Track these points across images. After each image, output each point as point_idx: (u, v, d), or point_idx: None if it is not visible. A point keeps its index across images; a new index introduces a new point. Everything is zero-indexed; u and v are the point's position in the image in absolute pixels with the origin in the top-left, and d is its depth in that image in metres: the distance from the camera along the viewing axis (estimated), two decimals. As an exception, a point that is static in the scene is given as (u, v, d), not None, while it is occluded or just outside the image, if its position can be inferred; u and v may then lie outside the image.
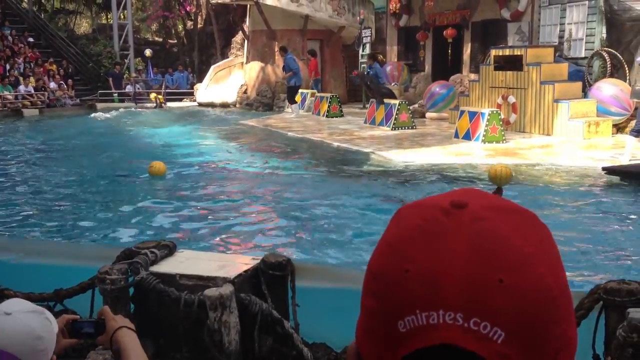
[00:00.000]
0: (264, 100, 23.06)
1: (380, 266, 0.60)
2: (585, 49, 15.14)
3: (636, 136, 10.29)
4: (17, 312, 1.60)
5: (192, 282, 2.90)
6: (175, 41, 32.61)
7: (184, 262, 3.10)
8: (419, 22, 20.68)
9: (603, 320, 2.50)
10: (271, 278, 3.01)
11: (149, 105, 24.94)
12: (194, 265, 3.06)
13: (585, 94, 13.95)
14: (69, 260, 3.63)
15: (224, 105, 24.09)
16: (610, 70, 14.11)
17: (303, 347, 2.83)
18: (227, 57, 26.89)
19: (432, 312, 0.55)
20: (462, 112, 13.44)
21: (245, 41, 24.51)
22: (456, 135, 13.24)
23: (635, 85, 13.13)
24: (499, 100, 14.51)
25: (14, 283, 3.09)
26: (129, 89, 26.22)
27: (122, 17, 28.68)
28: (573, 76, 14.36)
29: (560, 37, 15.92)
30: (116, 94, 25.93)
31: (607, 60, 14.16)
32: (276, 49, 21.45)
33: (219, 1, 24.09)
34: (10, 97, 22.81)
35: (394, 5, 21.14)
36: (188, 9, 30.89)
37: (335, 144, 13.39)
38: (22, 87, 23.30)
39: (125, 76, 26.98)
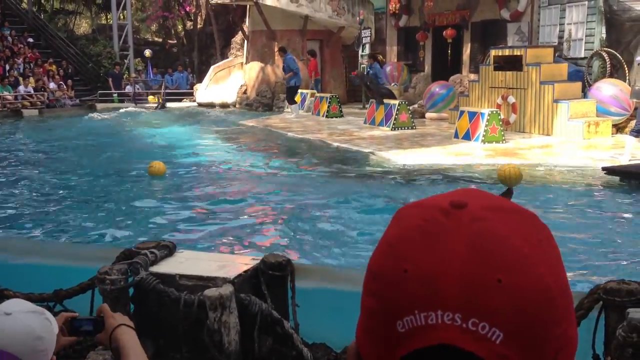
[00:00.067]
0: (264, 100, 23.06)
1: (380, 266, 0.60)
2: (585, 49, 15.15)
3: (636, 136, 10.29)
4: (18, 312, 1.60)
5: (191, 282, 2.90)
6: (175, 41, 32.61)
7: (183, 263, 3.10)
8: (419, 22, 20.68)
9: (603, 321, 2.50)
10: (271, 278, 3.01)
11: (148, 105, 24.95)
12: (194, 265, 3.06)
13: (584, 94, 13.96)
14: (68, 260, 3.63)
15: (224, 106, 24.09)
16: (610, 70, 14.12)
17: (303, 347, 2.83)
18: (227, 58, 26.90)
19: (430, 313, 0.56)
20: (462, 112, 13.45)
21: (245, 41, 24.51)
22: (456, 136, 13.24)
23: (635, 85, 13.14)
24: (499, 101, 14.52)
25: (13, 283, 3.09)
26: (128, 89, 26.22)
27: (121, 17, 28.68)
28: (573, 76, 14.36)
29: (560, 37, 15.93)
30: (116, 95, 25.94)
31: (607, 60, 14.17)
32: (276, 49, 21.44)
33: (219, 1, 24.09)
34: (9, 97, 22.81)
35: (394, 5, 21.14)
36: (188, 9, 30.88)
37: (335, 144, 13.39)
38: (21, 88, 23.31)
39: (125, 76, 26.99)
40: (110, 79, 26.29)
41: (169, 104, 24.96)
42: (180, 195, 9.25)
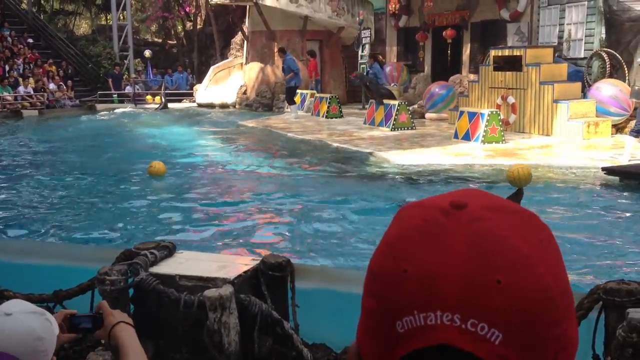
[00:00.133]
0: (264, 100, 23.07)
1: (380, 266, 0.61)
2: (585, 50, 15.15)
3: (636, 136, 10.30)
4: (18, 312, 1.60)
5: (191, 283, 2.90)
6: (175, 42, 32.62)
7: (183, 263, 3.10)
8: (419, 22, 20.69)
9: (603, 321, 2.50)
10: (271, 279, 3.01)
11: (148, 106, 24.97)
12: (194, 266, 3.06)
13: (584, 94, 13.96)
14: (68, 261, 3.63)
15: (224, 106, 24.08)
16: (610, 70, 14.12)
17: (303, 347, 2.83)
18: (227, 58, 26.91)
19: (429, 313, 0.55)
20: (462, 112, 13.45)
21: (245, 42, 24.52)
22: (455, 136, 13.25)
23: (635, 85, 13.15)
24: (499, 101, 14.52)
25: (13, 284, 3.09)
26: (128, 89, 26.23)
27: (121, 18, 28.68)
28: (572, 76, 14.36)
29: (560, 37, 15.93)
30: (116, 95, 25.94)
31: (607, 60, 14.17)
32: (275, 49, 21.45)
33: (219, 2, 24.09)
34: (9, 98, 22.80)
35: (393, 6, 21.14)
36: (187, 9, 30.88)
37: (335, 144, 13.39)
38: (21, 88, 23.31)
39: (124, 77, 26.99)
40: (110, 80, 26.30)
41: (169, 105, 24.97)
42: (180, 195, 9.25)
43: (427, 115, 17.13)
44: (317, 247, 6.65)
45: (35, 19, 29.26)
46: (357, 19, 21.97)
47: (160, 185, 10.01)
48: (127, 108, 24.44)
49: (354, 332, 0.63)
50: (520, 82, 14.19)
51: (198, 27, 30.98)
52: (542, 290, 0.56)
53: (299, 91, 19.55)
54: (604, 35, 14.78)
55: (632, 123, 11.57)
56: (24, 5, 30.08)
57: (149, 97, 25.91)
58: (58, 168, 11.92)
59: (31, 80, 23.85)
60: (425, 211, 0.60)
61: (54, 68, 25.75)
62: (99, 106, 24.44)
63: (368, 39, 20.87)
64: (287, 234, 7.23)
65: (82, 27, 35.89)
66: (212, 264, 3.10)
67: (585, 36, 15.16)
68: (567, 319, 0.58)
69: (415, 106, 17.46)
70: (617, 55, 14.25)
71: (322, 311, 3.24)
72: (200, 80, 26.42)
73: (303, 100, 20.14)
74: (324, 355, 3.00)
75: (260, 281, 3.01)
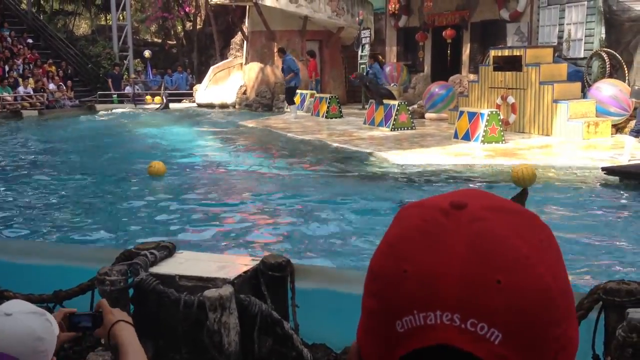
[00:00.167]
0: (263, 101, 23.07)
1: (380, 267, 0.61)
2: (585, 49, 15.16)
3: (635, 136, 10.30)
4: (18, 313, 1.60)
5: (191, 283, 2.90)
6: (175, 42, 32.61)
7: (183, 263, 3.10)
8: (418, 22, 20.69)
9: (603, 321, 2.50)
10: (271, 279, 3.01)
11: (148, 106, 24.98)
12: (194, 266, 3.06)
13: (584, 94, 13.96)
14: (68, 261, 3.63)
15: (223, 106, 24.08)
16: (610, 70, 14.13)
17: (303, 348, 2.83)
18: (226, 58, 26.90)
19: (429, 313, 0.56)
20: (462, 112, 13.45)
21: (245, 42, 24.52)
22: (455, 136, 13.25)
23: (635, 85, 13.16)
24: (498, 101, 14.52)
25: (13, 284, 3.09)
26: (128, 90, 26.22)
27: (121, 18, 28.68)
28: (572, 76, 14.37)
29: (560, 37, 15.94)
30: (115, 95, 25.94)
31: (606, 60, 14.17)
32: (275, 50, 21.45)
33: (218, 2, 24.09)
34: (9, 98, 22.80)
35: (393, 6, 21.14)
36: (187, 10, 30.88)
37: (335, 144, 13.39)
38: (21, 89, 23.31)
39: (124, 77, 26.99)
40: (109, 80, 26.30)
41: (169, 105, 25.01)
42: (180, 195, 9.25)
43: (427, 115, 17.13)
44: (317, 247, 6.65)
45: (34, 19, 29.26)
46: (357, 19, 21.97)
47: (160, 185, 10.00)
48: (127, 108, 24.45)
49: (354, 332, 0.63)
50: (520, 82, 14.19)
51: (198, 27, 30.97)
52: (542, 290, 0.56)
53: (298, 91, 19.55)
54: (603, 35, 14.78)
55: (632, 123, 11.57)
56: (23, 6, 30.08)
57: (148, 97, 25.91)
58: (58, 168, 11.91)
59: (31, 80, 23.85)
60: (425, 211, 0.61)
61: (53, 68, 25.75)
62: (98, 106, 24.44)
63: (368, 39, 20.88)
64: (287, 234, 7.23)
65: (82, 27, 35.88)
66: (212, 264, 3.10)
67: (585, 36, 15.16)
68: (567, 319, 0.58)
69: (415, 106, 17.47)
70: (617, 55, 14.25)
71: (322, 311, 3.24)
72: (200, 81, 26.42)
73: (303, 101, 20.13)
74: (323, 356, 3.00)
75: (260, 281, 3.01)
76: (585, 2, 15.03)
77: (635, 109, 12.25)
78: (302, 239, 7.00)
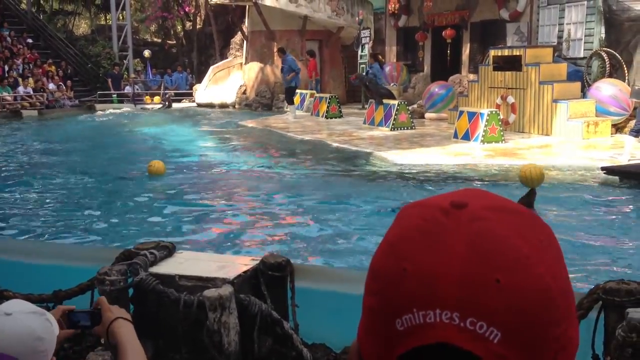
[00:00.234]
0: (263, 100, 23.07)
1: (381, 266, 0.61)
2: (584, 49, 15.16)
3: (635, 136, 10.30)
4: (18, 312, 1.60)
5: (191, 283, 2.90)
6: (174, 42, 32.62)
7: (183, 263, 3.10)
8: (418, 22, 20.69)
9: (602, 320, 2.50)
10: (270, 279, 3.01)
11: (149, 106, 25.00)
12: (193, 266, 3.06)
13: (584, 94, 13.97)
14: (68, 261, 3.63)
15: (223, 106, 24.09)
16: (609, 70, 14.13)
17: (302, 347, 2.83)
18: (226, 58, 26.90)
19: (428, 311, 0.56)
20: (461, 112, 13.45)
21: (244, 42, 24.51)
22: (455, 136, 13.25)
23: (635, 85, 13.16)
24: (498, 101, 14.52)
25: (13, 284, 3.09)
26: (127, 89, 26.23)
27: (121, 17, 28.68)
28: (572, 76, 14.37)
29: (559, 37, 15.94)
30: (115, 95, 25.94)
31: (606, 60, 14.18)
32: (275, 49, 21.45)
33: (218, 2, 24.09)
34: (9, 98, 22.80)
35: (393, 5, 21.15)
36: (187, 9, 30.89)
37: (335, 144, 13.39)
38: (21, 88, 23.31)
39: (124, 77, 26.99)
40: (109, 80, 26.30)
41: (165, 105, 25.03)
42: (180, 195, 9.25)
43: (427, 115, 17.14)
44: (316, 247, 6.65)
45: (34, 19, 29.25)
46: (357, 18, 21.97)
47: (160, 185, 10.01)
48: (127, 108, 24.45)
49: (353, 332, 0.63)
50: (520, 82, 14.19)
51: (197, 27, 30.97)
52: (541, 290, 0.56)
53: (298, 91, 19.55)
54: (603, 35, 14.78)
55: (632, 123, 11.57)
56: (23, 5, 30.07)
57: (147, 97, 25.91)
58: (57, 168, 11.90)
59: (30, 80, 23.85)
60: (426, 211, 0.61)
61: (53, 68, 25.74)
62: (98, 106, 24.44)
63: (367, 38, 20.88)
64: (286, 233, 7.23)
65: (82, 27, 35.89)
66: (211, 263, 3.10)
67: (585, 36, 15.16)
68: (567, 319, 0.58)
69: (415, 106, 17.47)
70: (617, 54, 14.25)
71: (322, 311, 3.24)
72: (199, 80, 26.42)
73: (302, 100, 20.14)
74: (323, 355, 3.00)
75: (260, 281, 3.01)
76: (585, 2, 15.04)
77: (635, 108, 12.25)
78: (301, 238, 7.00)
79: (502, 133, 12.67)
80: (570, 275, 0.61)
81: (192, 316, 2.79)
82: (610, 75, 14.02)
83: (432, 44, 20.44)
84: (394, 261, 0.59)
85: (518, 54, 14.37)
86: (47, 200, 9.25)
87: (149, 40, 33.65)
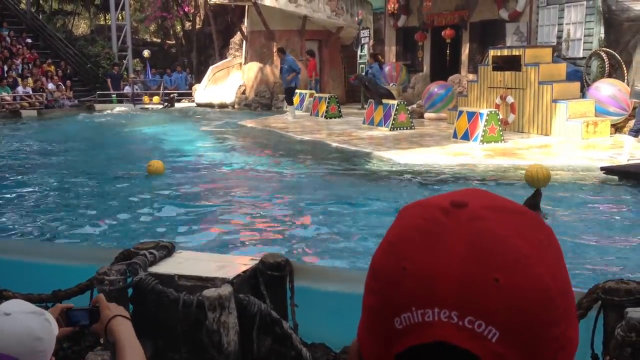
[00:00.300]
0: (263, 100, 23.07)
1: (381, 265, 0.61)
2: (584, 49, 15.17)
3: (635, 136, 10.31)
4: (17, 312, 1.60)
5: (190, 282, 2.90)
6: (174, 42, 32.62)
7: (182, 263, 3.10)
8: (417, 22, 20.70)
9: (602, 320, 2.50)
10: (270, 278, 3.01)
11: (148, 106, 25.00)
12: (193, 265, 3.06)
13: (583, 94, 13.97)
14: (67, 261, 3.63)
15: (223, 106, 24.09)
16: (609, 70, 14.14)
17: (302, 347, 2.83)
18: (226, 58, 26.90)
19: (427, 310, 0.56)
20: (461, 112, 13.45)
21: (244, 42, 24.52)
22: (454, 136, 13.25)
23: (634, 85, 13.16)
24: (498, 101, 14.52)
25: (12, 284, 3.09)
26: (127, 89, 26.22)
27: (120, 18, 28.67)
28: (571, 76, 14.37)
29: (559, 37, 15.95)
30: (114, 95, 25.94)
31: (606, 60, 14.18)
32: (274, 49, 21.45)
33: (217, 2, 24.09)
34: (8, 98, 22.79)
35: (392, 5, 21.15)
36: (186, 9, 30.88)
37: (334, 144, 13.39)
38: (20, 88, 23.30)
39: (123, 77, 26.99)
40: (108, 80, 26.29)
41: (167, 104, 25.02)
42: (179, 195, 9.25)
43: (426, 115, 17.14)
44: (315, 247, 6.65)
45: (33, 19, 29.23)
46: (356, 18, 21.97)
47: (160, 185, 10.00)
48: (126, 108, 24.45)
49: (353, 331, 0.64)
50: (519, 81, 14.19)
51: (197, 27, 30.97)
52: (541, 290, 0.56)
53: (297, 91, 19.55)
54: (602, 35, 14.79)
55: (631, 123, 11.57)
56: (22, 5, 30.06)
57: (145, 97, 25.91)
58: (57, 168, 11.90)
59: (30, 80, 23.84)
60: (426, 210, 0.61)
61: (52, 68, 25.73)
62: (97, 106, 24.44)
63: (367, 38, 20.88)
64: (286, 234, 7.23)
65: (81, 27, 35.89)
66: (211, 263, 3.10)
67: (584, 36, 15.17)
68: (566, 319, 0.58)
69: (414, 106, 17.47)
70: (616, 55, 14.26)
71: (321, 311, 3.23)
72: (199, 80, 26.42)
73: (302, 100, 20.14)
74: (323, 355, 3.00)
75: (259, 281, 3.01)
76: (585, 2, 15.04)
77: (634, 108, 12.26)
78: (300, 238, 7.00)
79: (501, 133, 12.68)
80: (570, 275, 0.61)
81: (191, 316, 2.79)
82: (609, 75, 14.03)
83: (431, 44, 20.45)
84: (394, 260, 0.59)
85: (517, 54, 14.37)
86: (47, 200, 9.25)
87: (149, 40, 33.65)
